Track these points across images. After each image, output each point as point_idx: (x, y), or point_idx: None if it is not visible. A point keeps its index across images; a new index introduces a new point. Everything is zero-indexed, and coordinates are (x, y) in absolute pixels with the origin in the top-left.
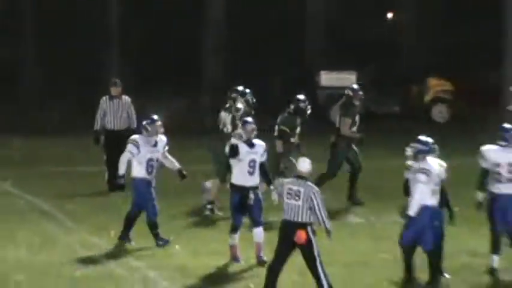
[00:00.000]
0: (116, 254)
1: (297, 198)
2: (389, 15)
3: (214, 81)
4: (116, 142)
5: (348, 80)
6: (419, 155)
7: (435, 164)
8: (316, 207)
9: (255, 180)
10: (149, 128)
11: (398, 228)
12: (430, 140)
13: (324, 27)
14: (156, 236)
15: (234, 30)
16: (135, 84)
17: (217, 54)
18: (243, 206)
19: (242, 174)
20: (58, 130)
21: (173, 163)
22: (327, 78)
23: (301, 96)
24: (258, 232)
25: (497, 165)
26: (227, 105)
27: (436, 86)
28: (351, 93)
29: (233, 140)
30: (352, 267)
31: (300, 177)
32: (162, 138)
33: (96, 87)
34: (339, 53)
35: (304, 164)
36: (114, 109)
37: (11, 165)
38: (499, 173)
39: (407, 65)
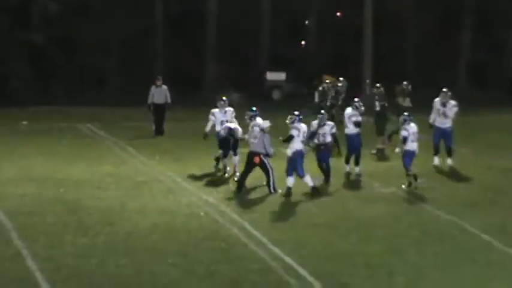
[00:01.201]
0: (160, 169)
1: (256, 139)
2: (303, 42)
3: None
4: (159, 110)
5: (281, 76)
6: (252, 117)
7: (265, 123)
8: (267, 144)
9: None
10: (222, 103)
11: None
12: (254, 108)
13: (267, 50)
14: (218, 160)
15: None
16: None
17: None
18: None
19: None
20: (131, 103)
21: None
22: (270, 75)
23: (378, 84)
24: (236, 158)
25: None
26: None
27: (327, 78)
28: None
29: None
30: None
31: (262, 130)
32: (230, 109)
33: (148, 81)
34: (276, 63)
35: (265, 123)
36: (158, 92)
37: (103, 122)
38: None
39: (311, 68)
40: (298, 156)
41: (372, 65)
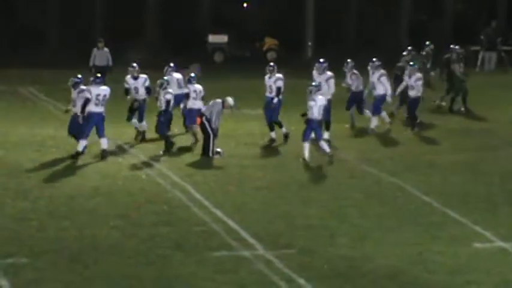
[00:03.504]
0: None
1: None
2: (245, 5)
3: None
4: (100, 72)
5: (223, 38)
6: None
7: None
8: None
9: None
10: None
11: None
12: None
13: (210, 13)
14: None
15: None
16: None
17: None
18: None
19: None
20: (75, 66)
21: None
22: (212, 37)
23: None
24: (143, 125)
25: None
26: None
27: (269, 42)
28: None
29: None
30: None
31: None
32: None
33: (91, 43)
34: (217, 25)
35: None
36: (100, 54)
37: (45, 84)
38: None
39: (254, 30)
40: (91, 118)
41: (313, 27)
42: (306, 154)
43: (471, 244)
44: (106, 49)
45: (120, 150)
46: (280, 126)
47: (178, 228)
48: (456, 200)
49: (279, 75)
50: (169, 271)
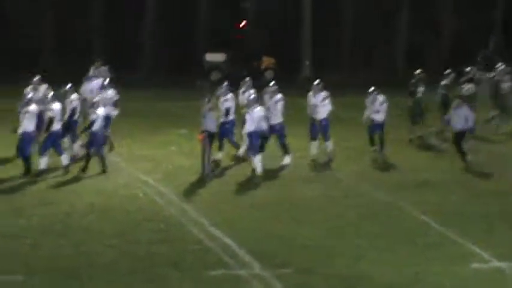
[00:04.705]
0: None
1: (203, 118)
2: (242, 24)
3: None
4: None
5: (220, 57)
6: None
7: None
8: (210, 121)
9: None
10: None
11: None
12: None
13: (207, 30)
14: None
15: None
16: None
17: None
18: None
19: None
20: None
21: None
22: (209, 56)
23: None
24: (74, 145)
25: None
26: None
27: (266, 60)
28: None
29: None
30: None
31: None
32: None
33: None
34: (215, 43)
35: None
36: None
37: None
38: None
39: (251, 50)
40: (53, 136)
41: (311, 46)
42: (258, 169)
43: (468, 264)
44: (103, 68)
45: (117, 168)
46: (236, 146)
47: (175, 247)
48: (453, 220)
49: (228, 96)
50: None
